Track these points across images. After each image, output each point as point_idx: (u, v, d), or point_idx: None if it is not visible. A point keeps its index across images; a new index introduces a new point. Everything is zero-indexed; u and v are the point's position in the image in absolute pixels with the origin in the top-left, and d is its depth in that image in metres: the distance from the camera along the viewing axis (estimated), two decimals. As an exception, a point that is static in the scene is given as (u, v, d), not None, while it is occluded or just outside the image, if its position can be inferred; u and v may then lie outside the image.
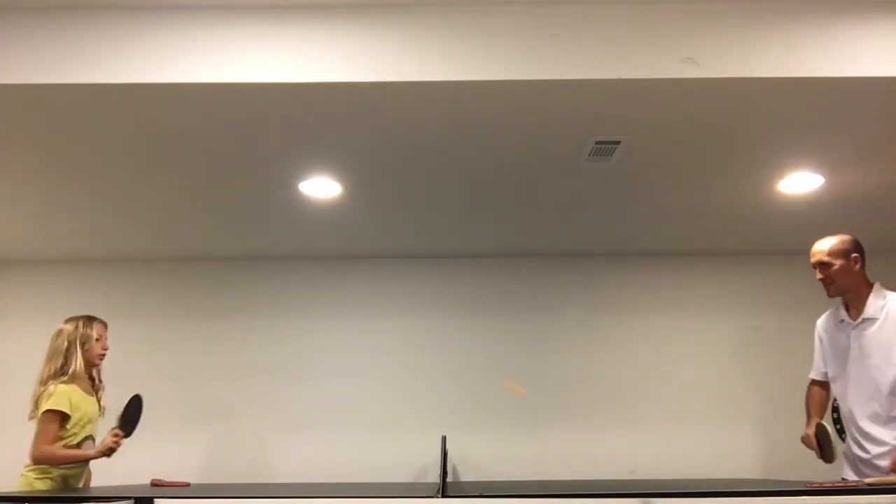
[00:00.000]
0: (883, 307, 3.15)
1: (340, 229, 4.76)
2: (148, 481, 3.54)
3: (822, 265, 3.24)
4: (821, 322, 3.44)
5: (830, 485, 2.42)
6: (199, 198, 4.25)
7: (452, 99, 3.18)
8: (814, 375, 3.44)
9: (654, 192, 4.22)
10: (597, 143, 3.57)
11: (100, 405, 3.62)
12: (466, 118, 3.34)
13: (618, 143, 3.57)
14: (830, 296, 3.29)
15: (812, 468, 3.42)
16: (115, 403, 3.57)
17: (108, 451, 3.40)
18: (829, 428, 3.12)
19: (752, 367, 5.08)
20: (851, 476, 3.22)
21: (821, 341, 3.41)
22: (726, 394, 5.02)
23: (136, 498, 2.32)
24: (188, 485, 3.42)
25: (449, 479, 4.49)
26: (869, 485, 2.50)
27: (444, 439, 4.45)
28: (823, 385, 3.42)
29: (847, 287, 3.23)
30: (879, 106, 3.25)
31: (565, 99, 3.18)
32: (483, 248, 5.14)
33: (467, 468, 4.88)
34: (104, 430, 3.52)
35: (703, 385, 5.07)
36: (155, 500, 2.34)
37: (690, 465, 4.81)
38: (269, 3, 3.08)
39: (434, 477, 4.74)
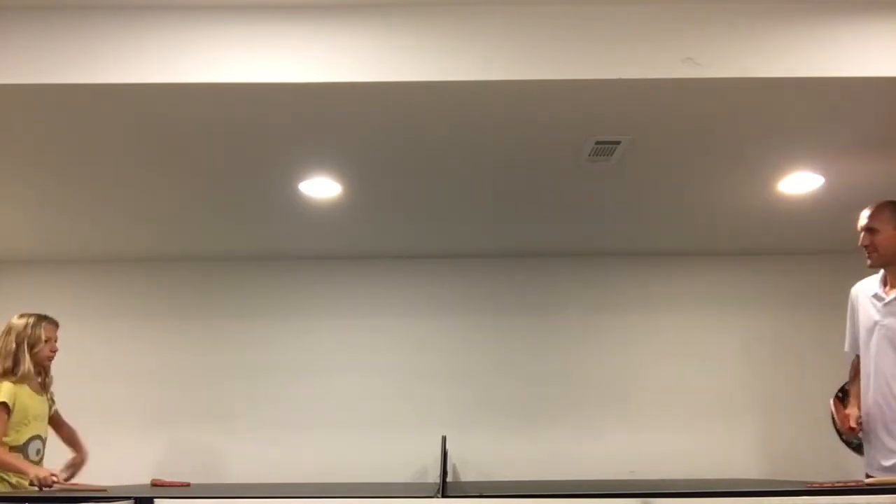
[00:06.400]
0: None
1: (340, 229, 4.75)
2: (148, 481, 3.54)
3: (868, 231, 3.02)
4: (857, 288, 3.17)
5: (830, 485, 2.42)
6: (198, 198, 4.25)
7: (452, 99, 3.17)
8: (847, 349, 3.21)
9: (654, 192, 4.22)
10: (597, 143, 3.57)
11: (50, 401, 3.55)
12: (466, 118, 3.34)
13: (618, 143, 3.57)
14: (871, 265, 3.05)
15: (812, 468, 3.42)
16: (116, 404, 3.55)
17: (41, 484, 3.10)
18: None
19: (753, 367, 5.07)
20: (876, 473, 2.98)
21: (853, 310, 3.16)
22: (726, 393, 5.01)
23: (136, 498, 2.32)
24: (188, 485, 3.43)
25: (449, 479, 4.49)
26: (869, 485, 2.50)
27: (444, 439, 4.46)
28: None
29: (890, 259, 3.00)
30: (879, 106, 3.25)
31: (565, 99, 3.18)
32: (483, 248, 5.13)
33: (467, 468, 4.87)
34: None
35: (703, 385, 5.06)
36: (155, 500, 2.34)
37: (690, 465, 4.80)
38: (269, 3, 3.08)
39: (434, 477, 4.74)
